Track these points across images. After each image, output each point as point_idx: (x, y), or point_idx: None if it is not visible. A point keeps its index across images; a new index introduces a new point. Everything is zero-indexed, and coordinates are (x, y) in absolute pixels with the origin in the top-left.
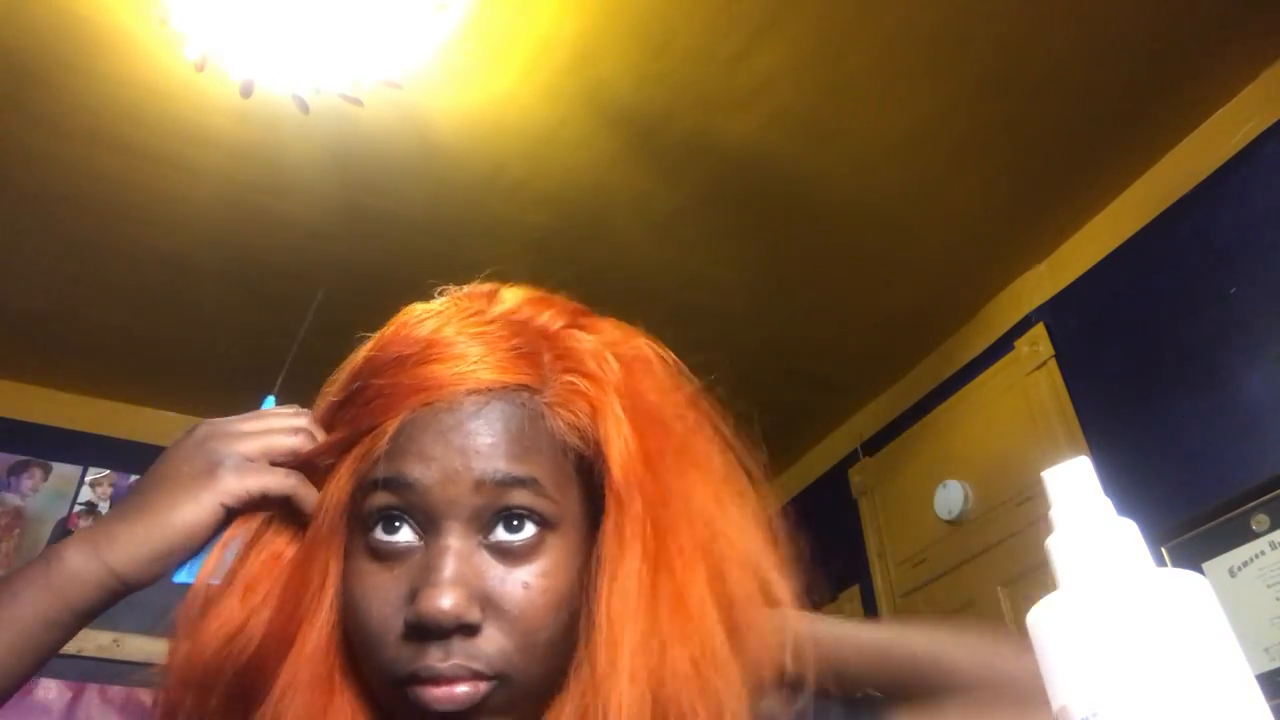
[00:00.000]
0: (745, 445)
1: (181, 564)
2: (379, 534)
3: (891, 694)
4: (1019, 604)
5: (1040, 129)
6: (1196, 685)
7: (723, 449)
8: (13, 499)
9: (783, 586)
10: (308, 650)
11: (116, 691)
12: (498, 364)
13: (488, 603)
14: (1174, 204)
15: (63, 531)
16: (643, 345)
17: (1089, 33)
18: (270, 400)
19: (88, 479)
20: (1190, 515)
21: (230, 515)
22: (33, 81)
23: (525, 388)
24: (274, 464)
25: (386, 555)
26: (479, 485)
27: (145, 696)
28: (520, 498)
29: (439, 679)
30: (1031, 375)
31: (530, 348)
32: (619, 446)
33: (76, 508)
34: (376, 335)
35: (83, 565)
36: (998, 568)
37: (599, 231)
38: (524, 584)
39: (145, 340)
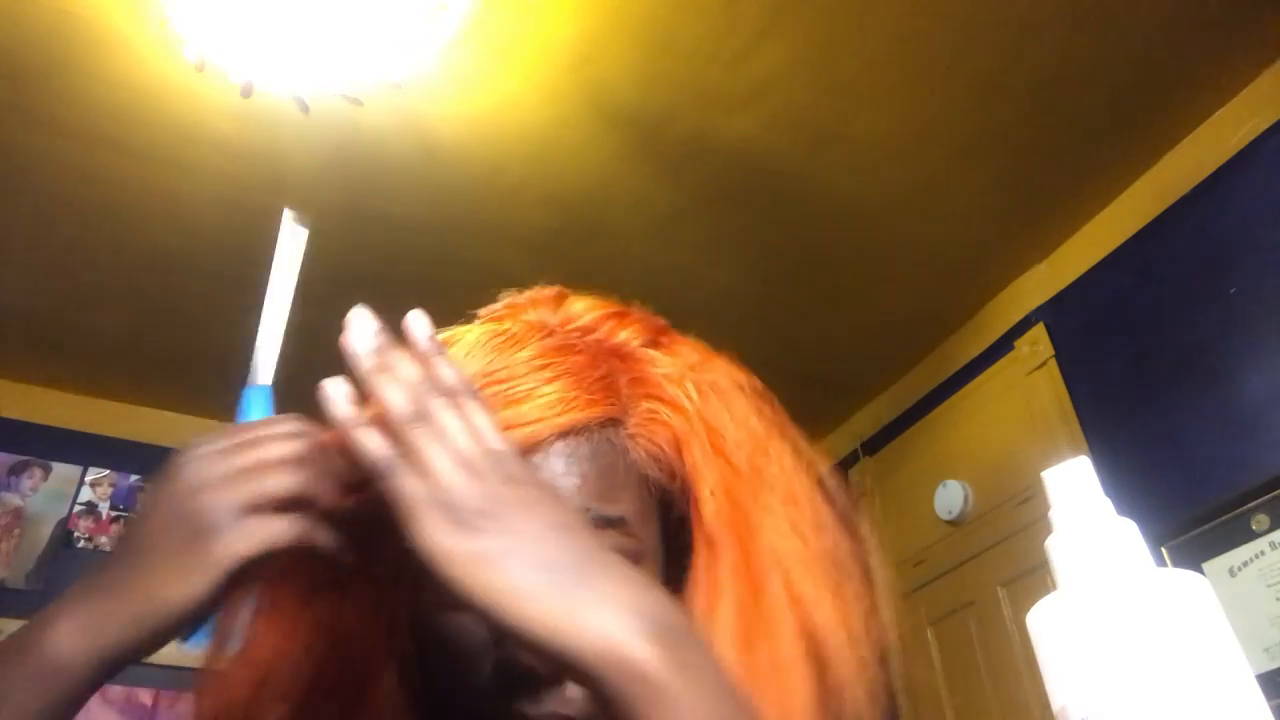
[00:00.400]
0: (830, 473)
1: (188, 636)
2: None
3: None
4: (1019, 604)
5: (1040, 130)
6: (1196, 685)
7: (808, 481)
8: (13, 499)
9: (865, 641)
10: (381, 698)
11: (116, 691)
12: (581, 401)
13: None
14: (1174, 204)
15: (63, 531)
16: (723, 370)
17: (1089, 33)
18: (265, 393)
19: (88, 479)
20: (1190, 515)
21: (233, 579)
22: (33, 81)
23: (608, 420)
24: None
25: None
26: None
27: (145, 697)
28: (609, 539)
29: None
30: (1031, 375)
31: (607, 372)
32: (709, 484)
33: (76, 508)
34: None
35: (73, 654)
36: (998, 568)
37: (599, 232)
38: None
39: (145, 340)
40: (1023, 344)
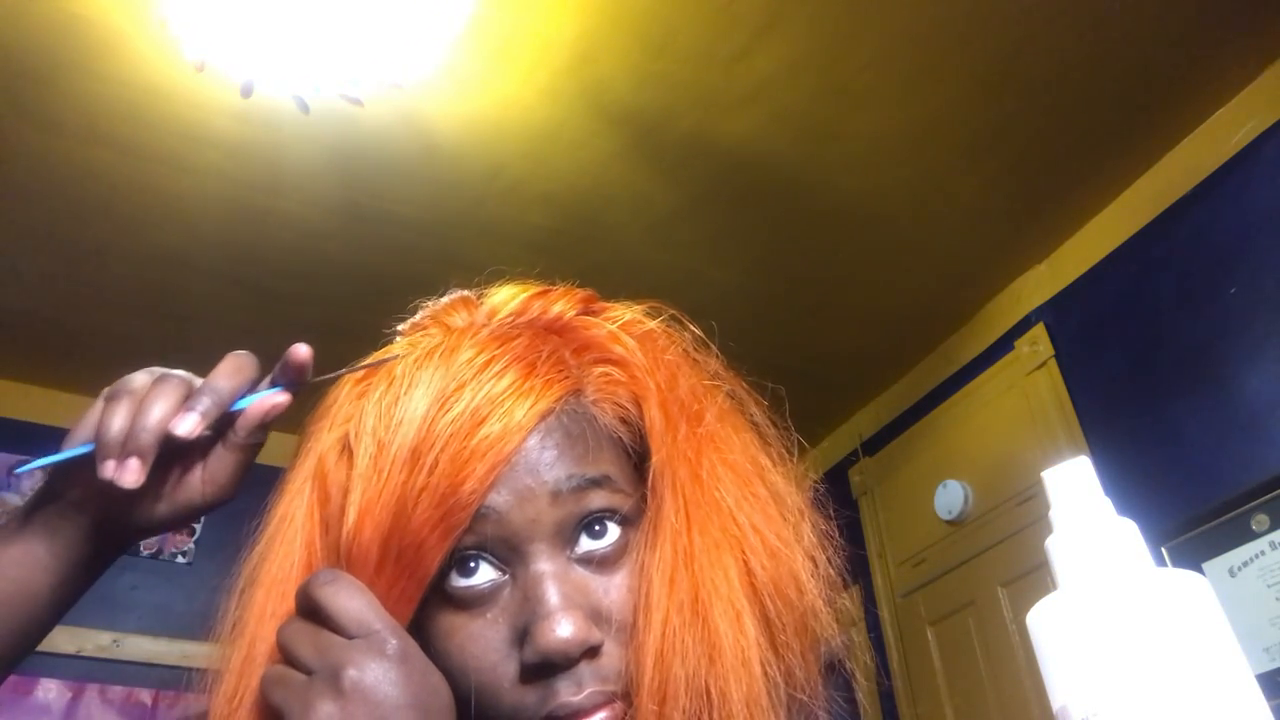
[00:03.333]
0: (771, 420)
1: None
2: (456, 580)
3: None
4: (1019, 604)
5: (1040, 129)
6: (1196, 685)
7: (748, 430)
8: (13, 499)
9: (811, 578)
10: None
11: (116, 691)
12: (537, 387)
13: (600, 618)
14: (1174, 204)
15: None
16: (654, 325)
17: (1089, 33)
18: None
19: None
20: (1190, 515)
21: None
22: (33, 81)
23: (568, 394)
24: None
25: (471, 601)
26: (556, 496)
27: (145, 696)
28: (599, 499)
29: (578, 713)
30: (1031, 375)
31: (552, 349)
32: (659, 437)
33: None
34: (414, 392)
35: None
36: (998, 568)
37: (598, 231)
38: (628, 588)
39: (145, 340)
40: (1023, 344)
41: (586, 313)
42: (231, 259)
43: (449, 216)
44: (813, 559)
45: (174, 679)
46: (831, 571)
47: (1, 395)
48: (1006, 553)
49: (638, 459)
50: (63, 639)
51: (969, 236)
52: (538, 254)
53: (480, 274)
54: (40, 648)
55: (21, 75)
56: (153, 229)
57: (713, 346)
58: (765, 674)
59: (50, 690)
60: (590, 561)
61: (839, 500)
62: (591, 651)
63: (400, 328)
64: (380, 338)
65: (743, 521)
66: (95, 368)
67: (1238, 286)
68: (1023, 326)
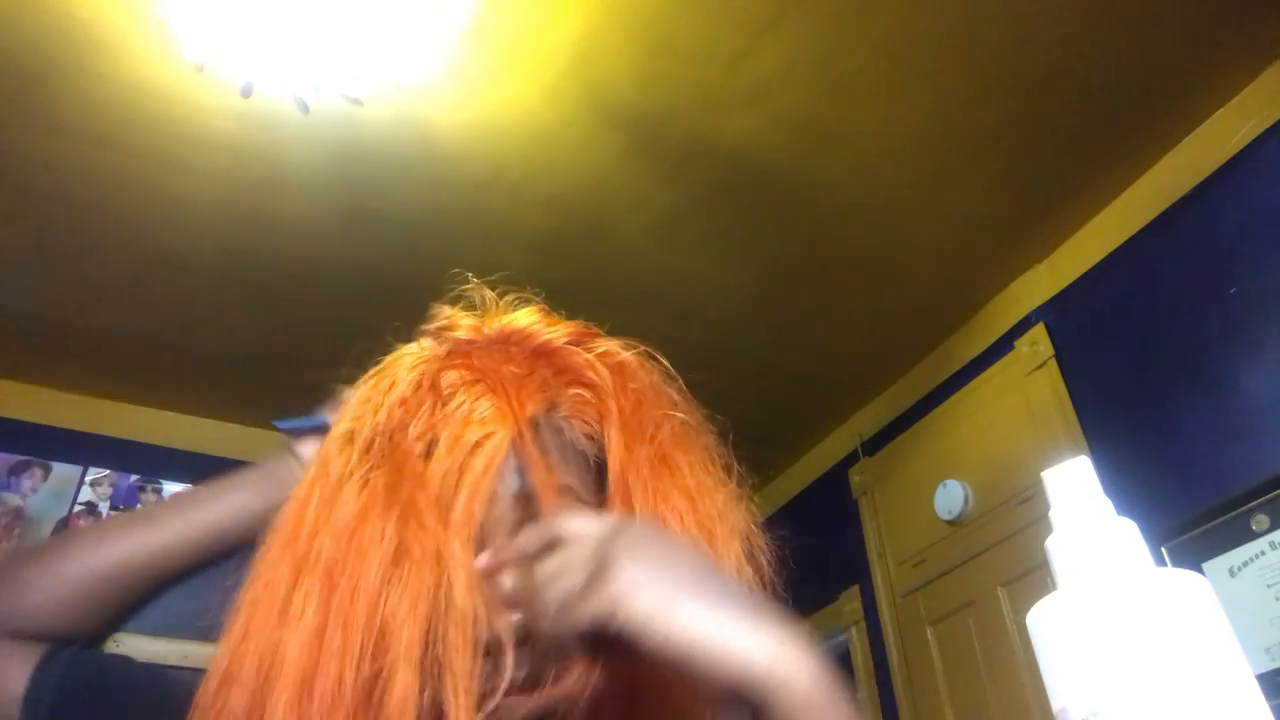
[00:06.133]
0: (727, 455)
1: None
2: None
3: None
4: (1019, 604)
5: (1040, 129)
6: (1196, 685)
7: (700, 454)
8: (13, 499)
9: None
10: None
11: None
12: (513, 405)
13: None
14: (1174, 204)
15: (63, 531)
16: (628, 355)
17: (1089, 33)
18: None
19: (88, 479)
20: (1190, 515)
21: None
22: (32, 82)
23: (545, 410)
24: None
25: None
26: (520, 500)
27: None
28: (564, 502)
29: (518, 689)
30: (1031, 375)
31: (533, 370)
32: (617, 454)
33: (76, 508)
34: (403, 388)
35: None
36: (998, 568)
37: (599, 232)
38: None
39: (145, 340)
40: (1023, 344)
41: (574, 343)
42: (231, 259)
43: (449, 217)
44: (741, 572)
45: None
46: (757, 583)
47: (1, 395)
48: (1006, 553)
49: (600, 471)
50: None
51: (969, 236)
52: (538, 254)
53: (481, 275)
54: None
55: (21, 76)
56: (153, 229)
57: (678, 380)
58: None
59: None
60: None
61: (839, 500)
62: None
63: (426, 326)
64: (380, 338)
65: (683, 532)
66: (95, 368)
67: (1238, 286)
68: (1023, 326)
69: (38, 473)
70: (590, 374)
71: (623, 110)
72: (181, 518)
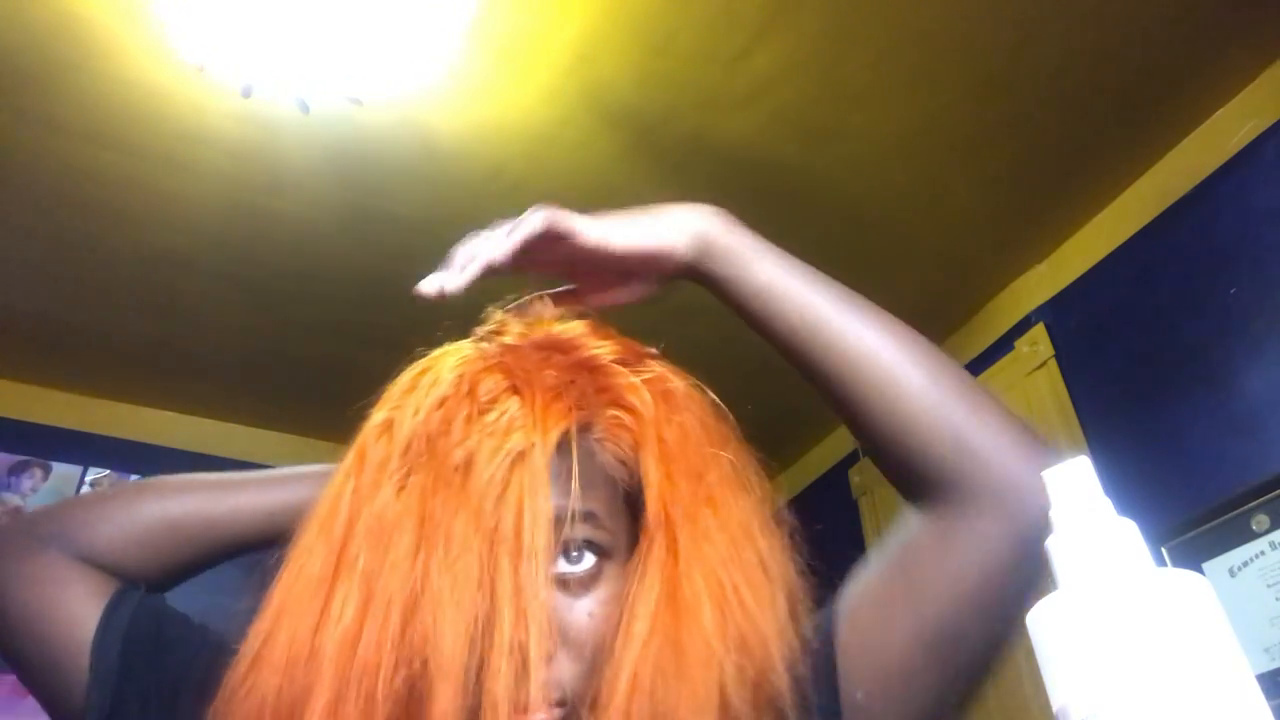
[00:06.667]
0: (768, 487)
1: None
2: None
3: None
4: None
5: (1040, 129)
6: (1196, 685)
7: (746, 497)
8: (13, 499)
9: (783, 645)
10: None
11: None
12: (554, 413)
13: (557, 634)
14: (1174, 204)
15: None
16: (679, 382)
17: (1089, 33)
18: None
19: (88, 479)
20: (1190, 515)
21: None
22: (32, 81)
23: (579, 427)
24: None
25: None
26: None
27: None
28: (581, 531)
29: (515, 707)
30: (1031, 375)
31: (576, 383)
32: (656, 483)
33: None
34: (443, 389)
35: None
36: None
37: None
38: (589, 613)
39: (145, 340)
40: (1023, 344)
41: (621, 361)
42: (231, 259)
43: (449, 217)
44: (783, 630)
45: None
46: (796, 643)
47: (1, 395)
48: None
49: (629, 499)
50: None
51: (969, 236)
52: None
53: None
54: None
55: (21, 75)
56: (153, 229)
57: (729, 415)
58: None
59: None
60: (562, 582)
61: (839, 500)
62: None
63: (479, 330)
64: (381, 338)
65: (725, 580)
66: (95, 368)
67: (1238, 286)
68: (1023, 326)
69: (38, 473)
70: (631, 397)
71: (622, 110)
72: (260, 489)
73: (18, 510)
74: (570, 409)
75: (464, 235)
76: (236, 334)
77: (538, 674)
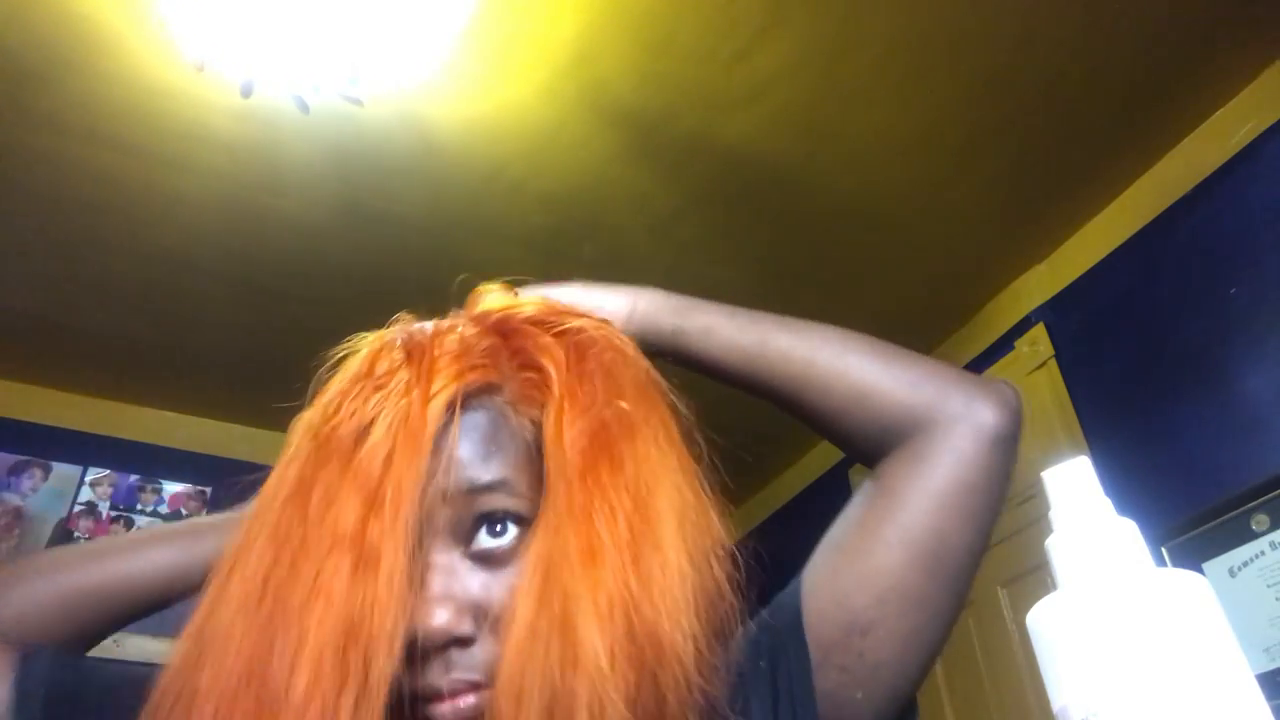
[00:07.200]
0: (698, 447)
1: None
2: None
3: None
4: (1019, 604)
5: (1040, 129)
6: (1196, 685)
7: (664, 448)
8: (13, 499)
9: (688, 613)
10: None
11: None
12: (441, 375)
13: (478, 612)
14: (1174, 204)
15: (63, 531)
16: (598, 333)
17: (1089, 33)
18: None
19: (88, 479)
20: (1190, 515)
21: None
22: (33, 81)
23: (487, 388)
24: None
25: None
26: (453, 496)
27: None
28: (494, 501)
29: (438, 695)
30: (1031, 375)
31: (489, 346)
32: (550, 443)
33: (76, 508)
34: (349, 372)
35: None
36: (998, 568)
37: (598, 231)
38: (509, 587)
39: (145, 340)
40: (1023, 344)
41: (536, 321)
42: (231, 259)
43: (449, 216)
44: (697, 592)
45: None
46: (724, 605)
47: (1, 395)
48: (1006, 553)
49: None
50: None
51: (969, 236)
52: (537, 253)
53: (480, 273)
54: None
55: (21, 75)
56: (153, 229)
57: (655, 373)
58: (619, 689)
59: None
60: (484, 558)
61: (839, 500)
62: (461, 641)
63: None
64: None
65: (614, 537)
66: (95, 368)
67: (1238, 286)
68: (1023, 326)
69: (38, 473)
70: (541, 357)
71: (622, 109)
72: (172, 547)
73: (18, 510)
74: (463, 371)
75: (464, 235)
76: (236, 334)
77: (383, 640)
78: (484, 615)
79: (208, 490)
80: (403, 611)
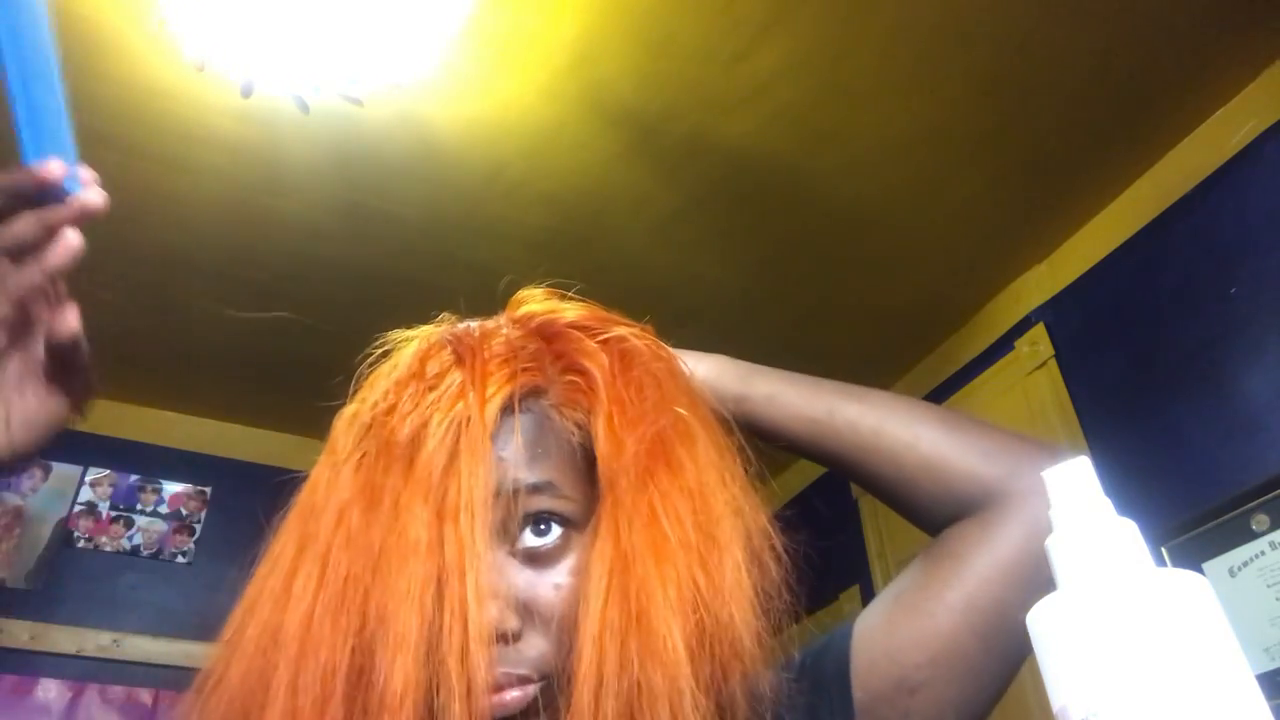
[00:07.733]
0: (738, 449)
1: None
2: None
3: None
4: None
5: (1040, 129)
6: (1196, 685)
7: (713, 452)
8: (13, 499)
9: (749, 606)
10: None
11: (116, 691)
12: (504, 376)
13: (524, 609)
14: (1174, 204)
15: (63, 531)
16: (640, 343)
17: (1089, 33)
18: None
19: (88, 479)
20: (1190, 515)
21: None
22: None
23: (532, 391)
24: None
25: None
26: (499, 497)
27: (145, 696)
28: (540, 502)
29: (487, 688)
30: (1031, 375)
31: (535, 350)
32: (604, 445)
33: (76, 507)
34: (399, 371)
35: None
36: None
37: (599, 232)
38: (555, 585)
39: (145, 340)
40: (1023, 344)
41: (579, 326)
42: (231, 259)
43: (449, 216)
44: (757, 589)
45: (174, 679)
46: (779, 602)
47: None
48: None
49: (591, 465)
50: (63, 639)
51: (969, 237)
52: (538, 254)
53: (480, 274)
54: (40, 647)
55: None
56: (153, 229)
57: (693, 379)
58: (694, 680)
59: (50, 690)
60: (529, 556)
61: (839, 500)
62: (508, 637)
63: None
64: (380, 338)
65: (678, 537)
66: (95, 368)
67: (1238, 287)
68: (1023, 326)
69: (38, 472)
70: (585, 361)
71: (622, 109)
72: None
73: (18, 510)
74: (514, 374)
75: (464, 235)
76: (237, 334)
77: (480, 644)
78: (530, 613)
79: (208, 490)
80: (486, 618)
